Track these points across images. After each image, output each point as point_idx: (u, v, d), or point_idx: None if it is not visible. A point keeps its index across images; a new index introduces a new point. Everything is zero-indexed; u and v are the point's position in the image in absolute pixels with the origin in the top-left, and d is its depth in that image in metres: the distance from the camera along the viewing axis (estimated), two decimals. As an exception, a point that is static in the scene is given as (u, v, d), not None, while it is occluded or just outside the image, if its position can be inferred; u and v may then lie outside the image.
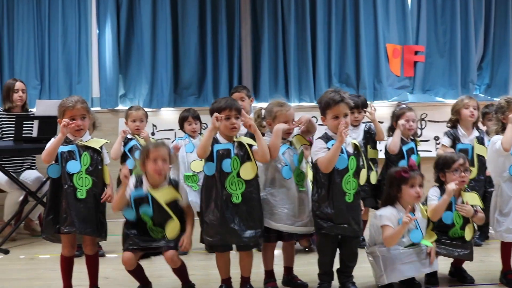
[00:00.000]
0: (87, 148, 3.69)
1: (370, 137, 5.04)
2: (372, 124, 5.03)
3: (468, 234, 3.88)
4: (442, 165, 3.95)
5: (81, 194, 3.62)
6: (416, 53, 7.25)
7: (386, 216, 3.76)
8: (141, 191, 3.67)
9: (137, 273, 3.85)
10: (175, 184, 3.78)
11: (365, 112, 5.04)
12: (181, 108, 6.95)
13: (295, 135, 3.93)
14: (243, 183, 3.64)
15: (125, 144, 4.93)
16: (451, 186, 3.78)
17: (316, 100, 6.95)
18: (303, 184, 3.87)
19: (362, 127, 5.04)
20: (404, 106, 5.16)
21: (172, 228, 3.65)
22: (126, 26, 7.16)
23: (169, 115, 7.01)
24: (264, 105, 4.79)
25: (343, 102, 3.70)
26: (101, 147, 3.77)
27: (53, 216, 3.69)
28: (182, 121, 5.17)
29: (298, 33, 7.17)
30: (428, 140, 6.84)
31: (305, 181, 3.90)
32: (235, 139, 3.72)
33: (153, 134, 6.83)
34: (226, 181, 3.62)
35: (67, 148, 3.66)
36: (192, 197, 4.54)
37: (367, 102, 5.31)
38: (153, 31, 7.10)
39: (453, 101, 6.95)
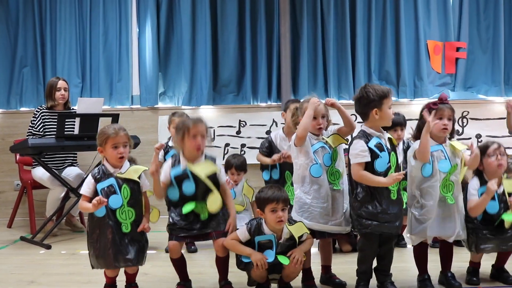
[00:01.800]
0: (126, 180, 3.63)
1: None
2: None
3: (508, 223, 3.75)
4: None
5: (126, 228, 3.59)
6: (457, 49, 7.12)
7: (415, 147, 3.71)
8: (179, 168, 3.68)
9: (180, 265, 3.88)
10: (212, 160, 3.79)
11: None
12: (220, 106, 7.01)
13: (332, 134, 3.88)
14: None
15: (166, 153, 4.92)
16: (493, 186, 3.69)
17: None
18: (338, 183, 3.82)
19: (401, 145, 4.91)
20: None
21: (213, 201, 3.65)
22: (166, 25, 7.20)
23: (208, 113, 7.03)
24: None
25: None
26: (139, 176, 3.70)
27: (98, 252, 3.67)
28: (226, 167, 5.09)
29: (338, 30, 7.12)
30: (469, 138, 6.71)
31: (340, 180, 3.84)
32: None
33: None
34: None
35: (105, 183, 3.61)
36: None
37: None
38: (193, 30, 7.13)
39: (495, 99, 6.86)
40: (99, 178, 3.63)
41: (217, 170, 3.76)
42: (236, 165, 5.04)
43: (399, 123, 4.81)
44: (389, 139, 3.71)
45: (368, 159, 3.57)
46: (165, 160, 4.79)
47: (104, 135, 3.63)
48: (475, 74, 7.19)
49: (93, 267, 3.71)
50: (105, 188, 3.59)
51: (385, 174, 3.58)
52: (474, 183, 3.86)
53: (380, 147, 3.59)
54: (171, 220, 3.75)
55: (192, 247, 5.13)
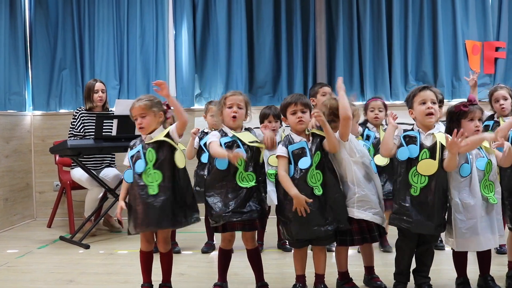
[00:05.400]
0: (152, 144, 3.71)
1: None
2: None
3: None
4: None
5: (153, 190, 3.63)
6: (497, 49, 7.00)
7: None
8: (227, 137, 3.73)
9: (225, 262, 3.91)
10: (250, 130, 3.86)
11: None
12: (256, 108, 6.99)
13: None
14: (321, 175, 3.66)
15: (201, 139, 4.96)
16: None
17: (392, 99, 6.86)
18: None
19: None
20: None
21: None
22: (202, 27, 7.24)
23: (243, 114, 7.03)
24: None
25: (429, 89, 3.67)
26: (167, 134, 3.71)
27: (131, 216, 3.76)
28: (263, 118, 5.09)
29: (374, 30, 7.06)
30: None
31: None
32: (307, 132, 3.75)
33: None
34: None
35: (134, 150, 3.76)
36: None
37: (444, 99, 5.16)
38: (229, 31, 7.16)
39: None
40: (132, 146, 3.82)
41: (257, 139, 3.80)
42: (274, 114, 5.02)
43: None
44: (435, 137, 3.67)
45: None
46: (200, 146, 4.86)
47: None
48: (515, 74, 7.06)
49: (128, 233, 3.79)
50: (133, 155, 3.74)
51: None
52: None
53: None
54: (209, 201, 3.76)
55: (176, 247, 5.13)
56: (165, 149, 3.71)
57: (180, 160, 3.70)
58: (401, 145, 3.64)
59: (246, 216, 3.66)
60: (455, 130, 3.45)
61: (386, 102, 5.14)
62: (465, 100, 3.71)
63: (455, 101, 6.62)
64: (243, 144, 3.72)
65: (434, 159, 3.57)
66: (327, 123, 3.64)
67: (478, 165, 3.59)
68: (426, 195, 3.59)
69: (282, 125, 4.78)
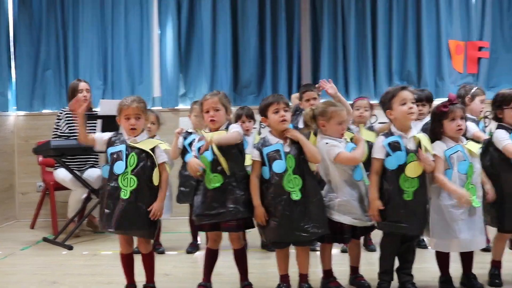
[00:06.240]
0: (136, 149, 3.70)
1: None
2: None
3: None
4: (500, 102, 3.84)
5: (124, 195, 3.62)
6: (480, 49, 7.05)
7: (435, 147, 3.65)
8: (203, 142, 3.69)
9: (211, 262, 3.89)
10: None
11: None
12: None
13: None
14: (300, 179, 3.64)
15: (185, 139, 4.95)
16: None
17: (376, 98, 6.88)
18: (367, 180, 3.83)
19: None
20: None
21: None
22: (187, 27, 7.22)
23: (228, 114, 7.03)
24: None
25: (406, 90, 3.68)
26: (153, 149, 3.73)
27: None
28: (236, 119, 5.11)
29: (358, 30, 7.08)
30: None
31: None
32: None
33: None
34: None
35: (116, 148, 3.72)
36: None
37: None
38: (213, 31, 7.15)
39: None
40: (113, 142, 3.77)
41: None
42: (247, 114, 5.05)
43: (419, 98, 4.78)
44: (417, 139, 3.68)
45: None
46: (184, 146, 4.85)
47: (119, 105, 3.79)
48: (498, 73, 7.12)
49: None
50: (114, 153, 3.71)
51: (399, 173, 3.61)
52: (502, 132, 3.80)
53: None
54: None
55: (160, 248, 5.14)
56: (148, 160, 3.70)
57: (155, 177, 3.71)
58: (387, 154, 3.64)
59: (215, 218, 3.67)
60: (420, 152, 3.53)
61: (371, 102, 5.15)
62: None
63: (438, 101, 6.66)
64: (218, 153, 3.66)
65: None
66: (303, 136, 3.68)
67: (460, 169, 3.61)
68: (418, 197, 3.63)
69: (258, 126, 4.79)
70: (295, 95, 5.81)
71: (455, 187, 3.55)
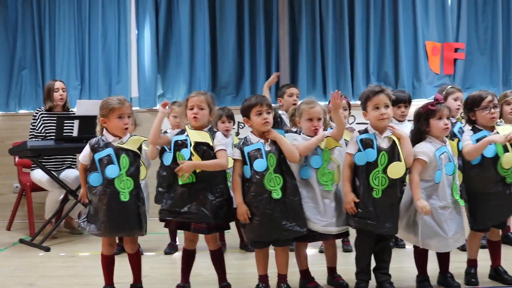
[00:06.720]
0: (125, 150, 3.69)
1: None
2: None
3: (507, 163, 3.73)
4: (471, 105, 3.89)
5: (125, 197, 3.62)
6: (456, 50, 7.13)
7: (421, 150, 3.67)
8: (182, 136, 3.72)
9: (188, 262, 3.89)
10: (212, 133, 3.77)
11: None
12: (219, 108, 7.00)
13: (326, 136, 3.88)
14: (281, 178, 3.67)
15: None
16: (499, 138, 3.69)
17: (354, 99, 6.91)
18: (331, 184, 3.80)
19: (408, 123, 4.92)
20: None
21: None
22: (165, 27, 7.21)
23: (206, 115, 7.03)
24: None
25: (383, 93, 3.70)
26: (139, 147, 3.76)
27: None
28: (216, 119, 5.12)
29: (336, 31, 7.12)
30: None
31: (334, 182, 3.82)
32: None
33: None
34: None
35: (104, 153, 3.67)
36: None
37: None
38: (191, 31, 7.14)
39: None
40: (96, 148, 3.71)
41: (210, 141, 3.70)
42: (227, 114, 5.06)
43: (403, 100, 4.85)
44: (391, 139, 3.71)
45: None
46: (162, 146, 4.83)
47: (109, 105, 3.70)
48: (474, 75, 7.21)
49: (84, 229, 3.77)
50: (103, 158, 3.66)
51: (370, 170, 3.64)
52: (466, 133, 3.88)
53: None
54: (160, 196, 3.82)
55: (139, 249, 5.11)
56: (137, 159, 3.74)
57: (143, 174, 3.79)
58: (358, 150, 3.68)
59: (180, 217, 3.67)
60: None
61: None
62: (429, 100, 3.78)
63: (415, 102, 6.73)
64: (195, 147, 3.67)
65: (395, 160, 3.64)
66: (281, 136, 3.72)
67: (447, 170, 3.67)
68: (387, 196, 3.65)
69: (237, 126, 4.81)
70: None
71: (419, 195, 3.60)
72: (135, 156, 3.72)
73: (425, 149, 3.67)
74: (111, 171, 3.63)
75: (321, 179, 3.78)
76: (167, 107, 3.91)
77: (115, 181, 3.63)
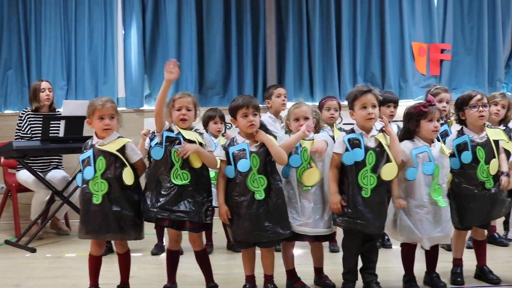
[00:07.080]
0: (104, 152, 3.67)
1: None
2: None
3: (493, 169, 3.79)
4: (460, 104, 3.93)
5: (97, 200, 3.61)
6: (442, 51, 7.18)
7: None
8: (172, 133, 3.71)
9: (173, 263, 3.89)
10: (199, 133, 3.79)
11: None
12: (206, 108, 6.99)
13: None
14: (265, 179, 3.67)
15: (151, 139, 4.91)
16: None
17: (341, 99, 6.92)
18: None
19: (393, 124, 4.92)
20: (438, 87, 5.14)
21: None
22: (152, 27, 7.19)
23: (194, 115, 7.02)
24: (289, 104, 4.78)
25: (370, 93, 3.71)
26: (121, 149, 3.70)
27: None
28: (208, 119, 5.12)
29: (323, 32, 7.15)
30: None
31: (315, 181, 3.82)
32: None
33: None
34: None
35: (85, 155, 3.70)
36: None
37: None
38: (178, 32, 7.14)
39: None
40: (83, 149, 3.76)
41: (200, 140, 3.72)
42: (220, 115, 5.08)
43: (393, 100, 4.89)
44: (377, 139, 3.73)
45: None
46: (150, 147, 4.82)
47: (91, 106, 3.73)
48: (460, 75, 7.27)
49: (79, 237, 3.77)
50: (84, 160, 3.70)
51: (358, 169, 3.65)
52: (452, 134, 3.96)
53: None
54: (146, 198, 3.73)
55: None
56: (117, 161, 3.67)
57: (128, 177, 3.66)
58: (346, 150, 3.69)
59: (174, 215, 3.65)
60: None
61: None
62: (419, 101, 3.79)
63: (402, 102, 6.76)
64: (184, 139, 3.69)
65: (382, 159, 3.66)
66: (269, 137, 3.71)
67: (425, 170, 3.67)
68: (376, 195, 3.67)
69: (224, 127, 4.85)
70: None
71: (396, 192, 3.67)
72: (116, 159, 3.67)
73: (403, 147, 3.70)
74: (87, 172, 3.65)
75: (300, 178, 3.79)
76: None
77: (90, 183, 3.64)
